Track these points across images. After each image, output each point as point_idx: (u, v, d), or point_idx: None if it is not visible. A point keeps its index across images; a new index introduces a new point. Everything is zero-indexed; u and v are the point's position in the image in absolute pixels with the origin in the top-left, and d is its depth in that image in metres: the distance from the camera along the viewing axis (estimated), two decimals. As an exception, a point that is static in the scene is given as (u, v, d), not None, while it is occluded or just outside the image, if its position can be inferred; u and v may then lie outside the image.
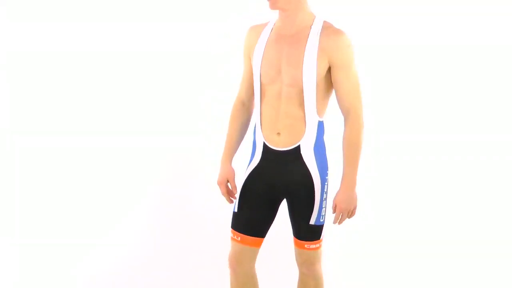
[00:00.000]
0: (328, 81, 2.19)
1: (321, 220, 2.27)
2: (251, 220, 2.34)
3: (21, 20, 3.48)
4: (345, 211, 2.22)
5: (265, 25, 2.30)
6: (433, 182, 3.60)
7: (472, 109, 3.59)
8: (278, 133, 2.23)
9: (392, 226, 3.55)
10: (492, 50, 3.53)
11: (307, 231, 2.28)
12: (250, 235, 2.34)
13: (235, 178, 2.42)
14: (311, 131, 2.21)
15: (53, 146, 3.55)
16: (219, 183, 2.43)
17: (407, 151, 3.60)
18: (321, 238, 2.31)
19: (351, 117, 2.18)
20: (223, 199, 2.48)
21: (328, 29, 2.16)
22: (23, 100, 3.53)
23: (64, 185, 3.55)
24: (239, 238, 2.35)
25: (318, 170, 2.24)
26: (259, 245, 2.37)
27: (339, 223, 2.25)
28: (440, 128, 3.60)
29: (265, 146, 2.28)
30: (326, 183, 2.27)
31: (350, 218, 2.28)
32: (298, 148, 2.22)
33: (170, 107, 3.58)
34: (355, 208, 2.24)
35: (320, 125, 2.23)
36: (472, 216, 3.57)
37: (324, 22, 2.19)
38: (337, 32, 2.15)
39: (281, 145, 2.24)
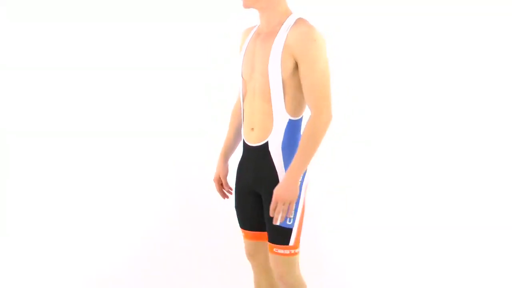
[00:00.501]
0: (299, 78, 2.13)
1: (288, 223, 2.16)
2: (247, 215, 2.37)
3: (21, 20, 3.48)
4: (280, 201, 2.07)
5: (254, 26, 2.35)
6: (428, 178, 3.60)
7: (466, 107, 3.60)
8: (252, 129, 2.23)
9: (389, 225, 3.55)
10: (488, 50, 3.55)
11: (274, 232, 2.20)
12: (252, 230, 2.38)
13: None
14: (279, 129, 2.16)
15: (54, 147, 3.56)
16: (214, 180, 2.51)
17: (401, 148, 3.61)
18: (291, 244, 2.19)
19: (312, 113, 2.08)
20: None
21: (297, 25, 2.09)
22: (23, 100, 3.54)
23: (65, 186, 3.56)
24: (243, 233, 2.42)
25: (286, 169, 2.17)
26: (266, 238, 2.37)
27: (275, 217, 2.09)
28: (434, 124, 3.60)
29: (243, 142, 2.31)
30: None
31: (289, 217, 2.13)
32: (266, 145, 2.19)
33: (169, 107, 3.58)
34: (292, 203, 2.09)
35: (292, 124, 2.16)
36: (464, 206, 3.57)
37: (298, 19, 2.13)
38: (304, 26, 2.07)
39: (253, 141, 2.23)
